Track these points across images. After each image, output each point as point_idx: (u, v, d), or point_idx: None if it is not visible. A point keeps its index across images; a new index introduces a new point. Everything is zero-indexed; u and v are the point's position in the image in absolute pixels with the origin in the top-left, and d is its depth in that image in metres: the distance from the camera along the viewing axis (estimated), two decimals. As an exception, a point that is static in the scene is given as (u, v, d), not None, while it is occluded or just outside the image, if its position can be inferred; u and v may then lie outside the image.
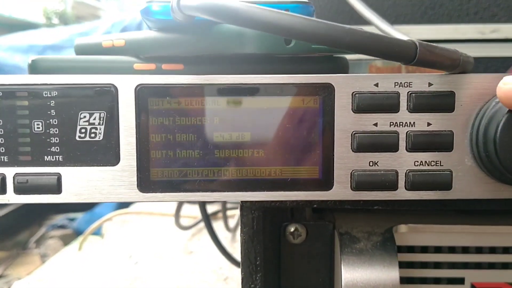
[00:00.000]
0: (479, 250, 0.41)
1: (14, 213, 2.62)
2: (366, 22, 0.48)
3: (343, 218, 0.40)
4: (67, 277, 0.81)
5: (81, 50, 0.43)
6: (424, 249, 0.40)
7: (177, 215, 0.93)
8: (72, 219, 2.69)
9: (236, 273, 0.79)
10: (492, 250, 0.40)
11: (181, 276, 0.79)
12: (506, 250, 0.40)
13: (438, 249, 0.40)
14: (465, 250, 0.41)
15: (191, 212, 1.00)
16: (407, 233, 0.39)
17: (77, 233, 2.38)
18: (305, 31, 0.24)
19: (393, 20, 0.66)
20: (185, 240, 0.93)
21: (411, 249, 0.40)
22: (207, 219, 0.68)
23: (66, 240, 2.43)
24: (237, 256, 0.73)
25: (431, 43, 0.26)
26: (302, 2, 0.36)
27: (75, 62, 0.40)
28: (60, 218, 2.76)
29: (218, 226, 0.89)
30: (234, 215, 0.99)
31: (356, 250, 0.37)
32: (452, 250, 0.40)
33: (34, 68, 0.40)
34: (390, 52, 0.25)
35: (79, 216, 2.57)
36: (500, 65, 0.66)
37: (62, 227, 2.71)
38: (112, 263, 0.85)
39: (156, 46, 0.38)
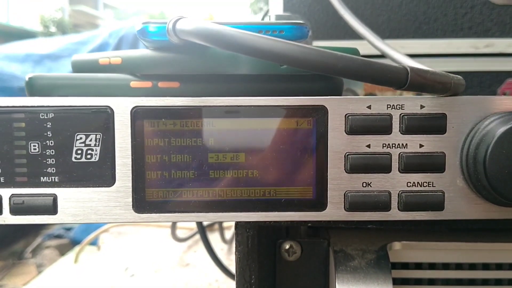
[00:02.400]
0: (472, 266, 0.41)
1: (10, 223, 2.58)
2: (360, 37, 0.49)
3: (338, 235, 0.40)
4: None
5: (78, 66, 0.44)
6: (419, 266, 0.41)
7: (173, 226, 0.93)
8: (68, 229, 2.69)
9: (232, 286, 0.79)
10: (486, 266, 0.41)
11: (177, 289, 0.79)
12: (499, 266, 0.41)
13: (432, 266, 0.41)
14: (458, 266, 0.41)
15: (187, 224, 1.01)
16: (401, 250, 0.40)
17: (74, 243, 2.37)
18: (298, 58, 0.24)
19: (388, 34, 0.66)
20: (181, 252, 0.93)
21: (405, 266, 0.41)
22: (203, 232, 0.68)
23: (63, 250, 2.43)
24: (233, 268, 0.73)
25: (423, 68, 0.27)
26: (297, 23, 0.36)
27: (72, 80, 0.41)
28: (56, 228, 2.75)
29: (214, 237, 0.89)
30: (231, 226, 0.99)
31: (350, 268, 0.37)
32: (446, 266, 0.41)
33: (31, 85, 0.40)
34: (382, 78, 0.25)
35: (75, 226, 2.57)
36: (494, 79, 0.66)
37: (58, 236, 2.70)
38: (108, 275, 0.85)
39: (152, 64, 0.38)
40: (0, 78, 2.88)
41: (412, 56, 0.67)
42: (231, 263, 0.83)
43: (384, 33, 0.66)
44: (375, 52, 0.48)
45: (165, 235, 1.00)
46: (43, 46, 3.19)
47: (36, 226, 2.88)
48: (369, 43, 0.50)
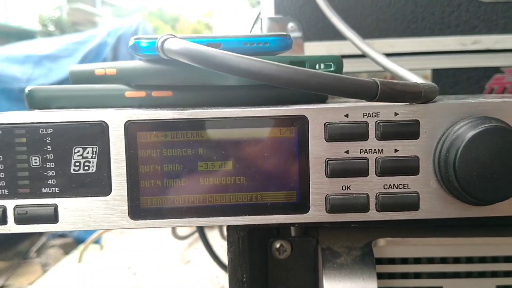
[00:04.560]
0: (456, 260, 0.43)
1: (14, 223, 2.60)
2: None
3: (326, 233, 0.43)
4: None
5: (76, 77, 0.46)
6: (404, 261, 0.43)
7: (173, 225, 0.95)
8: (72, 228, 2.72)
9: (232, 282, 0.81)
10: (469, 260, 0.43)
11: (178, 285, 0.81)
12: (482, 259, 0.43)
13: (417, 260, 0.43)
14: (443, 260, 0.43)
15: (188, 222, 1.03)
16: (386, 246, 0.42)
17: (78, 241, 2.40)
18: (275, 76, 0.26)
19: (377, 34, 0.68)
20: (182, 250, 0.96)
21: (392, 261, 0.43)
22: (201, 231, 0.70)
23: (67, 249, 2.46)
24: (232, 265, 0.75)
25: (392, 81, 0.29)
26: (281, 35, 0.38)
27: (69, 92, 0.43)
28: (60, 227, 2.78)
29: (214, 234, 0.91)
30: (230, 223, 1.01)
31: (337, 265, 0.39)
32: (431, 260, 0.43)
33: (31, 97, 0.42)
34: (353, 92, 0.27)
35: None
36: (482, 75, 0.68)
37: (62, 236, 2.73)
38: (111, 274, 0.87)
39: (146, 75, 0.40)
40: (1, 80, 2.90)
41: (401, 54, 0.69)
42: (230, 259, 0.85)
43: (374, 33, 0.68)
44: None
45: (166, 233, 1.02)
46: (42, 46, 3.21)
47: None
48: (353, 44, 0.52)
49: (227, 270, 0.76)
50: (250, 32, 0.86)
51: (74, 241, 2.53)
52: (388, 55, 0.69)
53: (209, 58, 0.27)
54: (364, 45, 0.49)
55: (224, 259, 0.78)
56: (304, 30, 0.67)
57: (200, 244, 0.97)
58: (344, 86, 0.27)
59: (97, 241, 1.16)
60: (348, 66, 0.66)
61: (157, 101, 0.41)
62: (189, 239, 1.00)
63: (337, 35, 0.67)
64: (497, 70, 0.68)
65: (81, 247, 1.12)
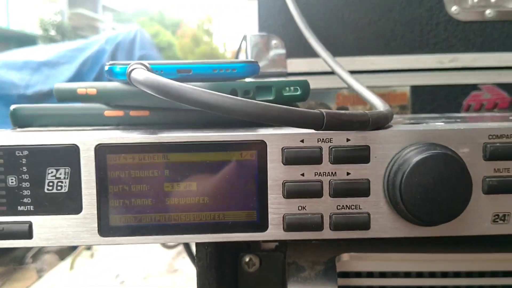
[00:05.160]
0: (419, 274, 0.45)
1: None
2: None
3: (294, 248, 0.45)
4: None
5: (60, 95, 0.48)
6: (370, 274, 0.45)
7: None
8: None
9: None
10: (432, 274, 0.45)
11: (165, 294, 0.83)
12: (444, 274, 0.45)
13: (382, 274, 0.45)
14: (407, 274, 0.45)
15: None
16: (349, 261, 0.44)
17: (73, 247, 2.42)
18: (228, 109, 0.28)
19: (358, 52, 0.70)
20: (170, 259, 0.98)
21: (358, 275, 0.45)
22: (186, 243, 0.72)
23: (62, 255, 2.47)
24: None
25: (338, 111, 0.31)
26: (248, 62, 0.40)
27: (52, 111, 0.45)
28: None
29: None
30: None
31: (300, 278, 0.42)
32: (395, 274, 0.45)
33: (15, 116, 0.45)
34: (302, 123, 0.29)
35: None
36: (460, 92, 0.70)
37: (58, 241, 2.74)
38: (100, 282, 0.89)
39: (124, 96, 0.43)
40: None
41: (381, 71, 0.72)
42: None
43: (355, 51, 0.70)
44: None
45: (155, 242, 1.04)
46: (41, 53, 3.25)
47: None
48: (324, 61, 0.55)
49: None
50: (239, 48, 0.88)
51: (69, 247, 2.55)
52: (368, 72, 0.72)
53: (170, 91, 0.29)
54: (334, 64, 0.52)
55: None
56: (287, 47, 0.70)
57: (188, 253, 1.00)
58: (293, 117, 0.29)
59: (88, 248, 1.18)
60: (326, 82, 0.68)
61: (134, 120, 0.43)
62: (177, 248, 1.02)
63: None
64: (474, 87, 0.70)
65: (73, 255, 1.14)
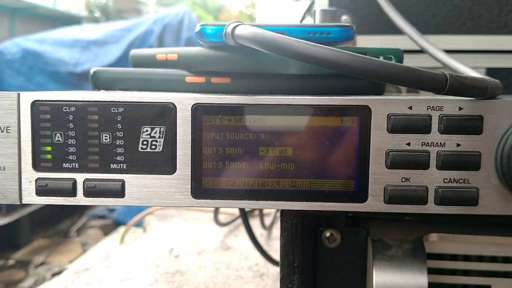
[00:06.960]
0: (506, 260, 0.43)
1: (57, 203, 2.72)
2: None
3: (377, 225, 0.43)
4: (110, 268, 0.86)
5: (136, 61, 0.47)
6: (454, 257, 0.43)
7: (216, 211, 0.97)
8: (111, 210, 2.79)
9: (271, 270, 0.82)
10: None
11: (218, 271, 0.83)
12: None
13: (467, 258, 0.43)
14: (493, 259, 0.43)
15: (229, 209, 1.04)
16: (437, 242, 0.42)
17: (117, 223, 2.47)
18: (344, 65, 0.27)
19: (432, 30, 0.67)
20: (222, 236, 0.97)
21: (441, 257, 0.43)
22: (245, 218, 0.71)
23: (106, 230, 2.53)
24: (273, 253, 0.76)
25: (460, 75, 0.29)
26: (344, 26, 0.38)
27: (133, 74, 0.45)
28: (100, 209, 2.87)
29: (254, 223, 0.92)
30: (270, 213, 1.02)
31: (387, 257, 0.40)
32: (480, 259, 0.43)
33: (95, 78, 0.44)
34: (423, 84, 0.27)
35: (118, 207, 2.67)
36: (540, 75, 0.67)
37: (102, 217, 2.81)
38: (153, 255, 0.89)
39: (206, 62, 0.42)
40: (50, 63, 3.00)
41: (456, 52, 0.68)
42: (270, 248, 0.86)
43: (429, 29, 0.67)
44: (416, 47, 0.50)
45: (208, 219, 1.04)
46: (90, 32, 3.30)
47: (81, 206, 2.99)
48: (410, 39, 0.52)
49: (267, 257, 0.77)
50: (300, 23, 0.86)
51: (113, 223, 2.60)
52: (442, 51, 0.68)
53: (281, 46, 0.28)
54: (423, 41, 0.49)
55: (264, 247, 0.79)
56: (357, 24, 0.67)
57: (240, 232, 0.99)
58: (413, 77, 0.27)
59: (139, 224, 1.19)
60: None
61: (215, 88, 0.42)
62: (229, 226, 1.01)
63: (391, 29, 0.66)
64: (553, 70, 0.66)
65: (121, 229, 1.16)
